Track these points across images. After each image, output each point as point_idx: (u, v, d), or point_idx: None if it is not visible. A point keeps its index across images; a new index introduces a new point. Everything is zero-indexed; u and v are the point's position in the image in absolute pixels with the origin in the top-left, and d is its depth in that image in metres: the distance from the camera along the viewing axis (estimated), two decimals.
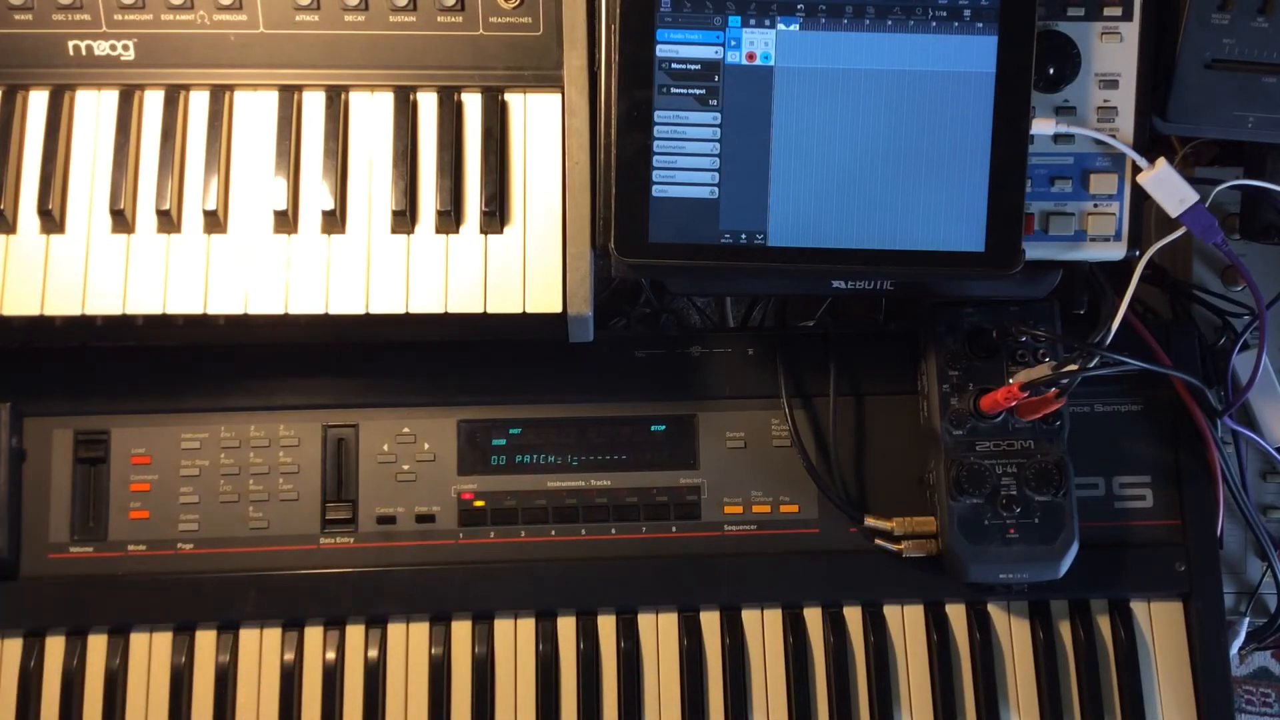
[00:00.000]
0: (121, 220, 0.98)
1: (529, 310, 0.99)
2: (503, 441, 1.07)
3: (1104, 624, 1.07)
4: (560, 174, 1.01)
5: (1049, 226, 1.00)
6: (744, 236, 0.95)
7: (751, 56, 0.94)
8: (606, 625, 1.06)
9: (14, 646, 1.03)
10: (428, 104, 1.02)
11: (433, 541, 1.05)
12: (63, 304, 0.98)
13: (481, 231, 1.01)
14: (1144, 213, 1.01)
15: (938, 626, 1.06)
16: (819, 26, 0.94)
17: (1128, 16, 0.98)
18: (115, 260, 0.98)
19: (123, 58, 1.01)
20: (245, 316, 0.99)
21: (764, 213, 0.95)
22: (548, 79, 1.02)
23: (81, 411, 1.05)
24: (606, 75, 0.97)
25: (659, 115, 0.94)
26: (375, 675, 1.03)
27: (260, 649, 1.04)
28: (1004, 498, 1.02)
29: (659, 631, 1.06)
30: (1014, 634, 1.07)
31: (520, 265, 1.00)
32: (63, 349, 1.06)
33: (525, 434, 1.07)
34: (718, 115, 0.94)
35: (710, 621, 1.06)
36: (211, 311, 0.98)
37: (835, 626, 1.06)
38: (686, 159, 0.94)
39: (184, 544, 1.04)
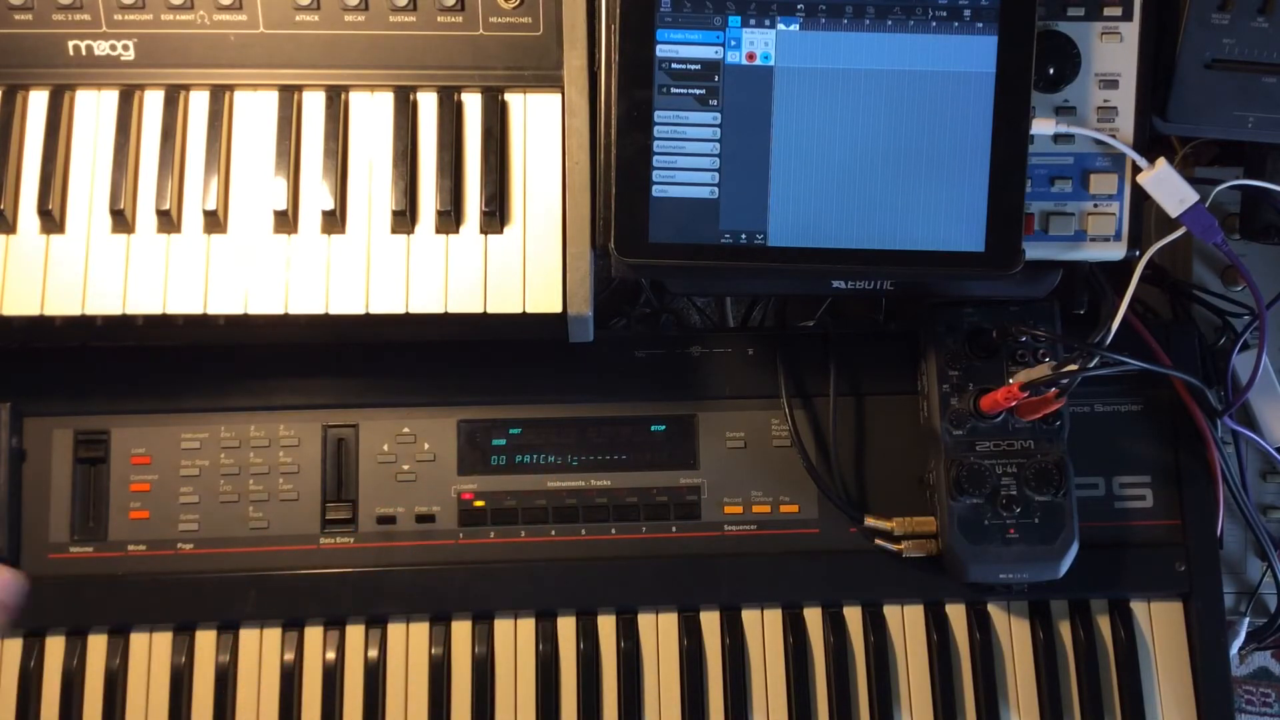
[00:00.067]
0: (121, 220, 0.99)
1: (529, 310, 0.99)
2: (503, 441, 1.07)
3: (1104, 624, 1.07)
4: (560, 174, 1.01)
5: (1049, 226, 1.00)
6: (744, 236, 0.95)
7: (751, 56, 0.94)
8: (606, 625, 1.06)
9: (14, 646, 1.03)
10: (428, 104, 1.02)
11: (433, 541, 1.05)
12: (63, 304, 0.98)
13: (481, 231, 1.01)
14: (1144, 213, 1.01)
15: (938, 626, 1.06)
16: (819, 26, 0.94)
17: (1128, 16, 0.98)
18: (115, 260, 0.98)
19: (123, 58, 1.01)
20: (245, 316, 0.99)
21: (764, 213, 0.95)
22: (548, 79, 1.02)
23: (81, 411, 1.05)
24: (606, 75, 0.97)
25: (659, 115, 0.94)
26: (375, 675, 1.03)
27: (260, 649, 1.04)
28: (1004, 498, 1.02)
29: (659, 631, 1.06)
30: (1014, 634, 1.07)
31: (520, 265, 1.00)
32: (63, 349, 1.06)
33: (525, 434, 1.07)
34: (718, 115, 0.94)
35: (710, 621, 1.06)
36: (211, 311, 0.98)
37: (835, 626, 1.06)
38: (686, 159, 0.94)
39: (184, 544, 1.04)
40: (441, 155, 1.01)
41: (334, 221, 1.00)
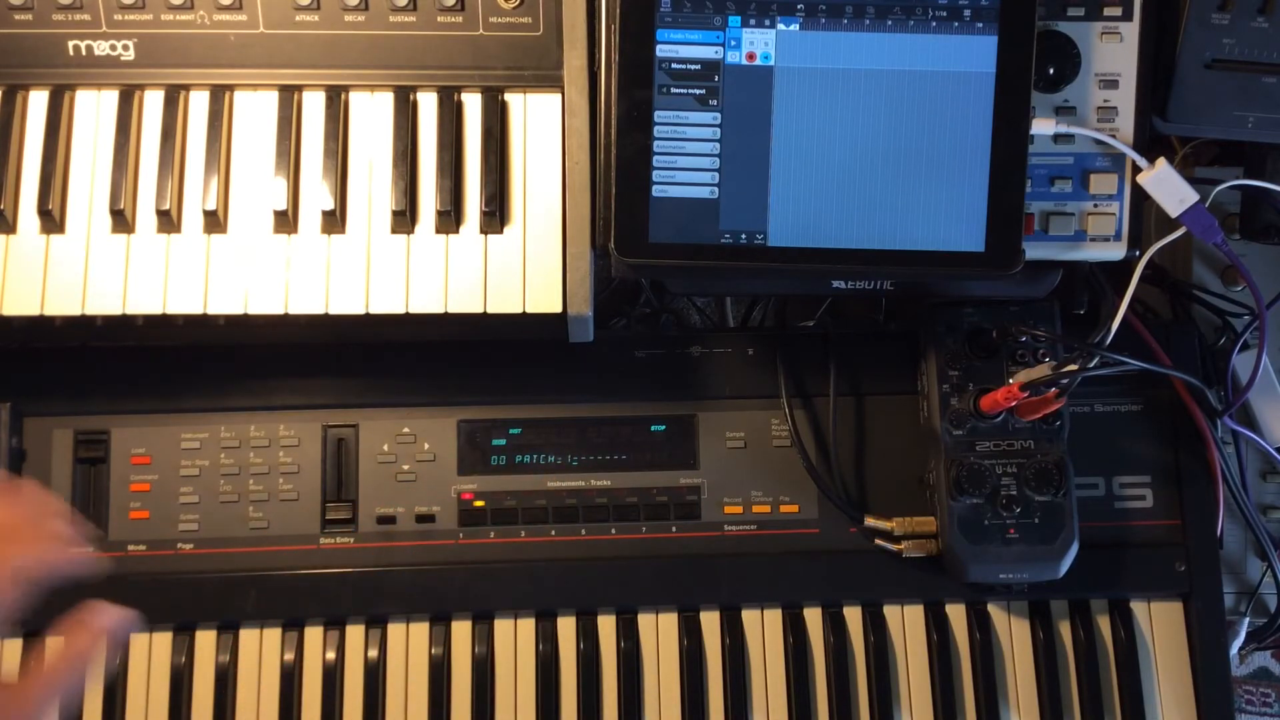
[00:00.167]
0: (121, 220, 0.99)
1: (529, 310, 0.99)
2: (503, 441, 1.07)
3: (1104, 624, 1.07)
4: (560, 174, 1.01)
5: (1049, 226, 1.00)
6: (744, 236, 0.95)
7: (751, 56, 0.94)
8: (606, 625, 1.06)
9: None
10: (428, 104, 1.02)
11: (433, 541, 1.05)
12: (63, 304, 0.98)
13: (481, 231, 1.01)
14: (1144, 213, 1.01)
15: (938, 626, 1.06)
16: (819, 26, 0.94)
17: (1128, 16, 0.98)
18: (115, 260, 0.98)
19: (123, 58, 1.01)
20: (245, 316, 0.99)
21: (764, 213, 0.95)
22: (548, 79, 1.02)
23: (81, 411, 1.05)
24: (606, 75, 0.97)
25: (659, 115, 0.94)
26: (375, 675, 1.03)
27: (260, 649, 1.04)
28: (1004, 498, 1.02)
29: (659, 631, 1.06)
30: (1014, 634, 1.07)
31: (520, 265, 1.00)
32: (63, 349, 1.06)
33: (525, 434, 1.07)
34: (718, 115, 0.94)
35: (710, 621, 1.06)
36: (211, 311, 0.98)
37: (835, 626, 1.06)
38: (686, 159, 0.94)
39: (184, 544, 1.04)
40: (441, 155, 1.01)
41: (334, 221, 1.00)
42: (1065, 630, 1.07)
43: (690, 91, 0.94)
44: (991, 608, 1.07)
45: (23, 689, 0.71)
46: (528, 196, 1.01)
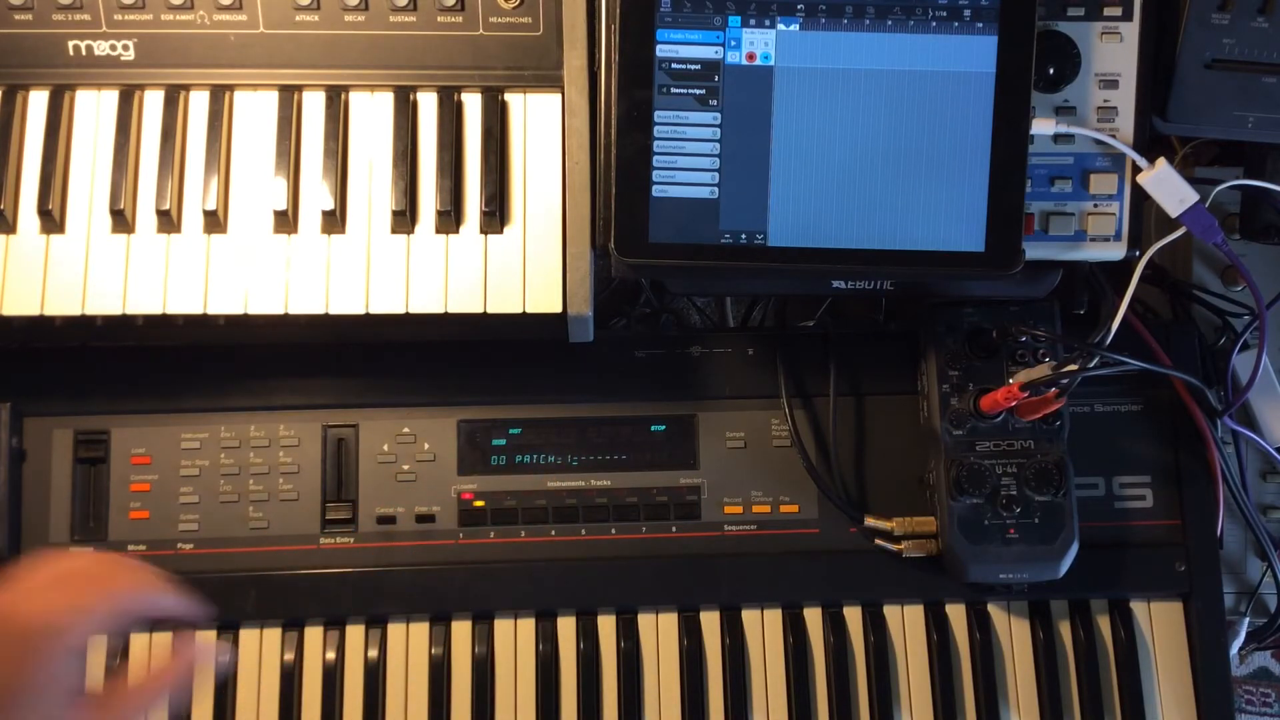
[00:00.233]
0: (121, 220, 0.99)
1: (529, 310, 0.99)
2: (503, 441, 1.07)
3: (1104, 624, 1.07)
4: (560, 174, 1.01)
5: (1049, 226, 1.00)
6: (744, 236, 0.95)
7: (751, 56, 0.94)
8: (606, 625, 1.06)
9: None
10: (428, 104, 1.02)
11: (433, 541, 1.05)
12: (63, 304, 0.98)
13: (481, 231, 1.01)
14: (1144, 213, 1.01)
15: (938, 626, 1.06)
16: (819, 26, 0.94)
17: (1128, 16, 0.98)
18: (115, 260, 0.98)
19: (123, 58, 1.01)
20: (245, 316, 0.99)
21: (764, 213, 0.95)
22: (548, 79, 1.02)
23: (81, 411, 1.05)
24: (606, 75, 0.97)
25: (659, 115, 0.94)
26: (375, 675, 1.03)
27: (260, 649, 1.04)
28: (1004, 498, 1.02)
29: (659, 631, 1.06)
30: (1014, 634, 1.07)
31: (520, 265, 1.00)
32: (63, 349, 1.06)
33: (525, 434, 1.07)
34: (718, 115, 0.94)
35: (710, 621, 1.06)
36: (211, 311, 0.98)
37: (835, 626, 1.06)
38: (686, 159, 0.95)
39: (184, 544, 1.04)
40: (441, 155, 1.01)
41: (334, 221, 1.00)
42: (1065, 630, 1.07)
43: (690, 91, 0.94)
44: (991, 608, 1.07)
45: (112, 706, 0.76)
46: (528, 196, 1.01)
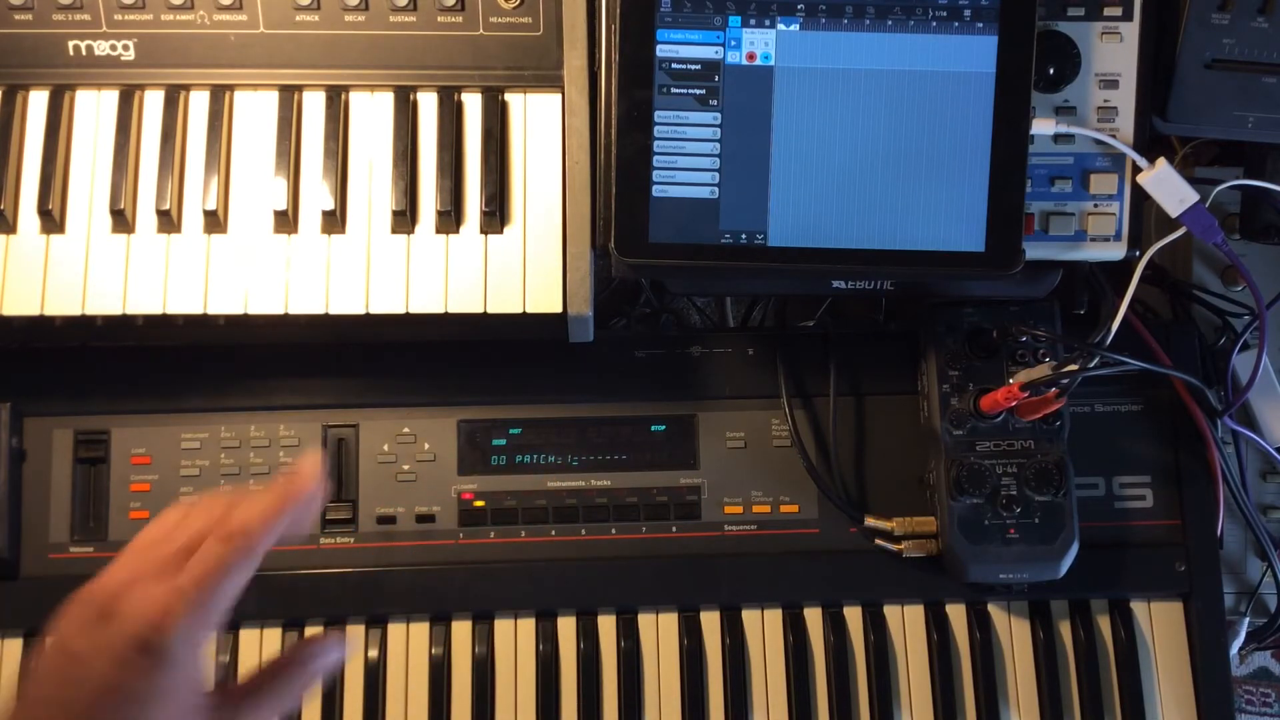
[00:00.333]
0: (121, 220, 0.99)
1: (529, 310, 0.99)
2: (503, 441, 1.07)
3: (1104, 624, 1.07)
4: (560, 174, 1.01)
5: (1049, 226, 1.00)
6: (744, 236, 0.95)
7: (751, 56, 0.94)
8: (606, 625, 1.06)
9: (14, 646, 1.03)
10: (428, 104, 1.02)
11: (433, 541, 1.05)
12: (63, 304, 0.98)
13: (481, 231, 1.01)
14: (1144, 213, 1.01)
15: (938, 626, 1.06)
16: (819, 26, 0.94)
17: (1128, 16, 0.98)
18: (115, 260, 0.98)
19: (123, 58, 1.01)
20: (245, 316, 0.99)
21: (764, 213, 0.95)
22: (548, 79, 1.02)
23: (81, 411, 1.05)
24: (606, 75, 0.97)
25: (659, 115, 0.94)
26: (375, 675, 1.03)
27: (260, 649, 1.04)
28: (1004, 498, 1.02)
29: (659, 631, 1.06)
30: (1014, 634, 1.07)
31: (520, 265, 1.00)
32: (63, 349, 1.06)
33: (525, 434, 1.07)
34: (718, 115, 0.94)
35: (710, 621, 1.06)
36: (211, 311, 0.98)
37: (835, 626, 1.06)
38: (686, 159, 0.95)
39: None
40: (441, 155, 1.01)
41: (334, 221, 1.00)
42: (1065, 630, 1.07)
43: (690, 91, 0.94)
44: (991, 608, 1.07)
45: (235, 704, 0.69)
46: (528, 196, 1.01)
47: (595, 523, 1.06)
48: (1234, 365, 1.11)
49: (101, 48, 1.00)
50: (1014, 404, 1.00)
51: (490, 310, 0.99)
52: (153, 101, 1.01)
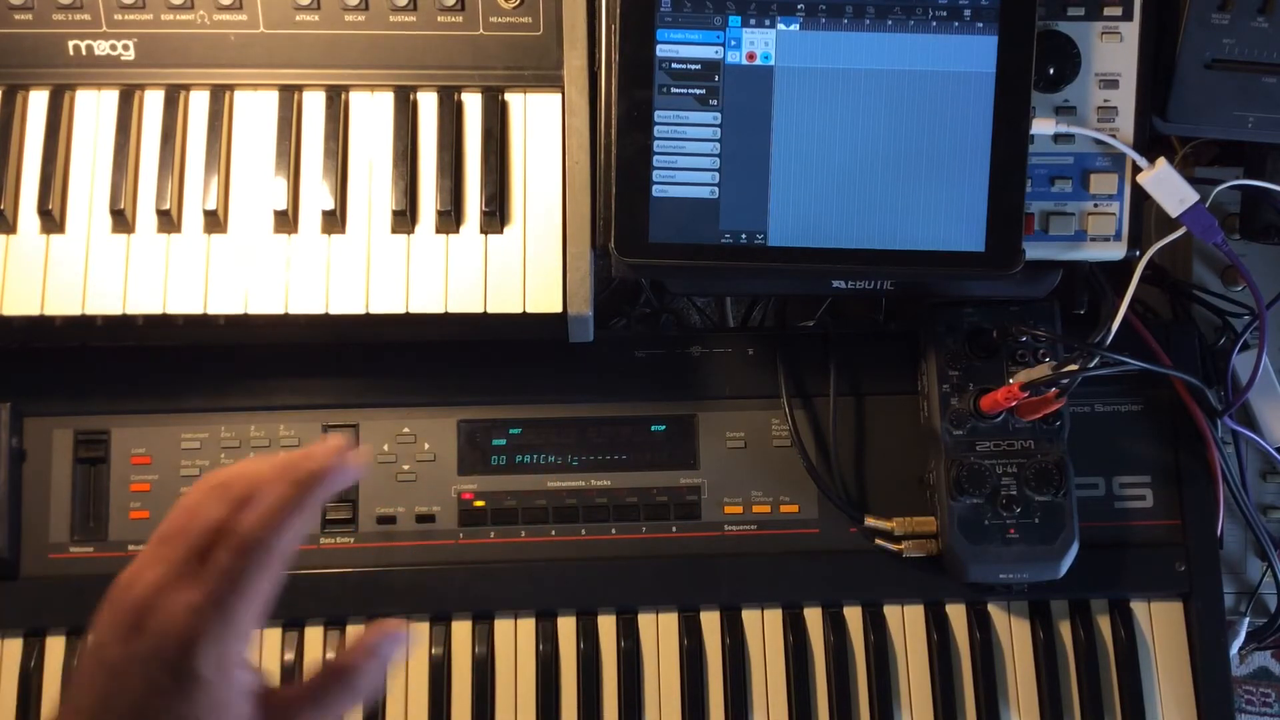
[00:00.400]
0: (121, 220, 0.99)
1: (529, 310, 0.99)
2: (503, 441, 1.07)
3: (1104, 624, 1.07)
4: (560, 174, 1.01)
5: (1049, 226, 1.00)
6: (744, 236, 0.95)
7: (751, 56, 0.94)
8: (606, 625, 1.06)
9: (14, 646, 1.03)
10: (428, 104, 1.02)
11: (433, 541, 1.05)
12: (63, 304, 0.98)
13: (481, 231, 1.01)
14: (1144, 213, 1.01)
15: (938, 626, 1.06)
16: (819, 26, 0.94)
17: (1128, 16, 0.98)
18: (115, 260, 0.98)
19: (123, 58, 1.01)
20: (245, 316, 0.99)
21: (764, 213, 0.95)
22: (548, 79, 1.02)
23: (81, 411, 1.05)
24: (606, 75, 0.97)
25: (659, 115, 0.94)
26: None
27: (261, 649, 1.03)
28: (1004, 498, 1.02)
29: (659, 631, 1.06)
30: (1014, 634, 1.07)
31: (520, 265, 1.00)
32: (63, 349, 1.06)
33: (525, 434, 1.07)
34: (718, 115, 0.94)
35: (710, 621, 1.06)
36: (211, 311, 0.98)
37: (835, 626, 1.06)
38: (686, 159, 0.95)
39: None
40: (441, 155, 1.01)
41: (334, 221, 1.00)
42: (1065, 630, 1.07)
43: (690, 91, 0.94)
44: (991, 608, 1.07)
45: (291, 703, 0.66)
46: (528, 196, 1.01)
47: (595, 523, 1.06)
48: (1234, 365, 1.11)
49: (101, 47, 1.00)
50: (1014, 404, 1.00)
51: (490, 310, 0.99)
52: (153, 101, 1.01)
